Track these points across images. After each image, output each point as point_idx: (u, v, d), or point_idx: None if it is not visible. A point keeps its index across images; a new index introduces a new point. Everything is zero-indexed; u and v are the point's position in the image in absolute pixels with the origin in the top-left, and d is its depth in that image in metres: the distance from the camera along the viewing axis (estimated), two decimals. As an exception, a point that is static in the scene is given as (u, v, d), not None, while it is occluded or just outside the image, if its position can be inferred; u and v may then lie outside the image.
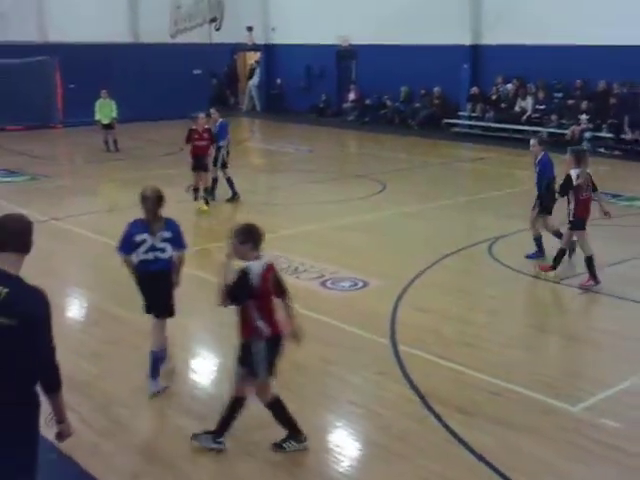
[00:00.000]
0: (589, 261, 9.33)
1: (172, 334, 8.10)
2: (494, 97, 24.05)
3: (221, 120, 14.77)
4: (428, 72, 24.97)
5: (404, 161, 19.82)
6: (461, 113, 25.03)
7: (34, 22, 26.52)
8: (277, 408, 5.77)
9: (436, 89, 25.36)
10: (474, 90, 24.61)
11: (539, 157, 10.37)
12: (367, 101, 27.73)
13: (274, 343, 5.59)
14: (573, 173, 9.29)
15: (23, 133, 23.98)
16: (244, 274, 5.40)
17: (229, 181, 14.65)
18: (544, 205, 10.29)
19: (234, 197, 14.65)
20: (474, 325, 8.40)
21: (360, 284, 9.65)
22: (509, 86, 23.80)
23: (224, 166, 14.60)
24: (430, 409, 6.34)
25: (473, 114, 24.50)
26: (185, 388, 6.94)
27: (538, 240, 10.52)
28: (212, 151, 13.98)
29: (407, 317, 8.49)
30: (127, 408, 6.42)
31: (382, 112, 26.82)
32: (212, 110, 15.08)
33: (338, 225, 12.46)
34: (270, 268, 5.57)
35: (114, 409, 6.38)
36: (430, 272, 10.32)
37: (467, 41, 24.80)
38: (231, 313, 8.67)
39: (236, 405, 5.69)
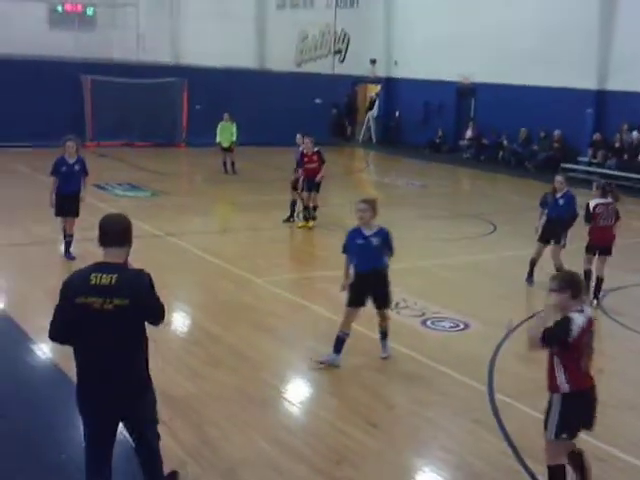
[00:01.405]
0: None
1: (267, 361, 8.24)
2: (617, 144, 23.28)
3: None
4: (549, 115, 24.46)
5: (518, 204, 19.41)
6: (581, 159, 24.35)
7: (167, 44, 27.74)
8: (553, 477, 5.35)
9: (556, 132, 24.79)
10: (597, 136, 23.91)
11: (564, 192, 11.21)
12: (484, 140, 27.41)
13: (574, 400, 5.23)
14: (591, 202, 10.55)
15: (149, 150, 24.98)
16: (568, 320, 5.13)
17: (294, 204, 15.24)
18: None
19: (289, 219, 15.18)
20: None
21: (461, 326, 9.49)
22: (634, 134, 23.00)
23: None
24: (524, 465, 6.14)
25: (594, 160, 23.80)
26: (276, 416, 7.00)
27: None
28: (322, 173, 14.73)
29: (507, 364, 8.28)
30: (218, 430, 6.52)
31: (499, 152, 26.45)
32: (298, 136, 15.40)
33: (445, 264, 12.33)
34: (591, 323, 5.30)
35: (205, 429, 6.49)
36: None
37: (593, 85, 24.18)
38: (328, 343, 8.72)
39: (558, 476, 5.34)
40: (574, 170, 24.09)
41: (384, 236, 7.83)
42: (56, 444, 6.17)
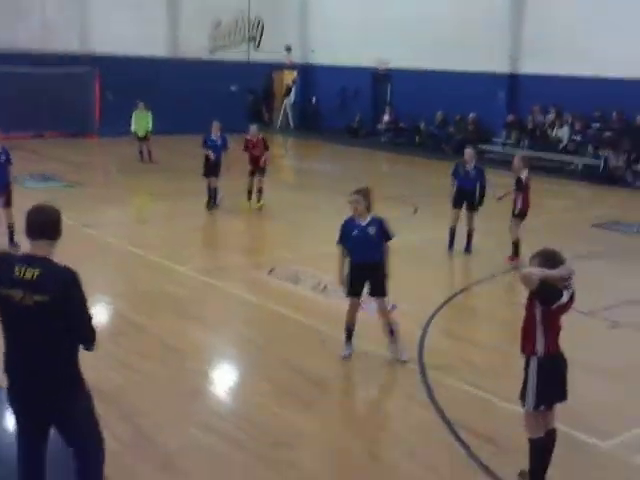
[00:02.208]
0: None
1: (196, 349, 8.11)
2: (530, 125, 23.90)
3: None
4: (464, 98, 24.90)
5: (436, 185, 19.67)
6: (495, 140, 24.90)
7: (77, 33, 26.89)
8: (536, 449, 5.38)
9: (471, 115, 25.27)
10: (510, 118, 24.49)
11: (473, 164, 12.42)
12: (401, 124, 27.71)
13: (549, 366, 5.27)
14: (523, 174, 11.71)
15: (60, 140, 24.23)
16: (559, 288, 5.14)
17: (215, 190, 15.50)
18: None
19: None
20: (505, 354, 8.25)
21: (389, 307, 9.51)
22: (548, 116, 23.64)
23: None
24: (458, 438, 6.21)
25: (508, 141, 24.37)
26: (208, 403, 6.88)
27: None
28: (267, 158, 15.46)
29: (436, 342, 8.37)
30: (151, 420, 6.36)
31: (416, 136, 26.78)
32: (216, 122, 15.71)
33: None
34: (573, 298, 5.33)
35: (138, 420, 6.33)
36: (460, 297, 10.21)
37: (505, 69, 24.73)
38: (254, 329, 8.64)
39: (540, 449, 5.37)
40: (490, 151, 24.64)
41: (379, 225, 7.62)
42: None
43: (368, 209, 7.61)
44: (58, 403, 4.29)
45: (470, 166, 12.37)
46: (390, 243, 7.71)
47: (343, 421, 6.63)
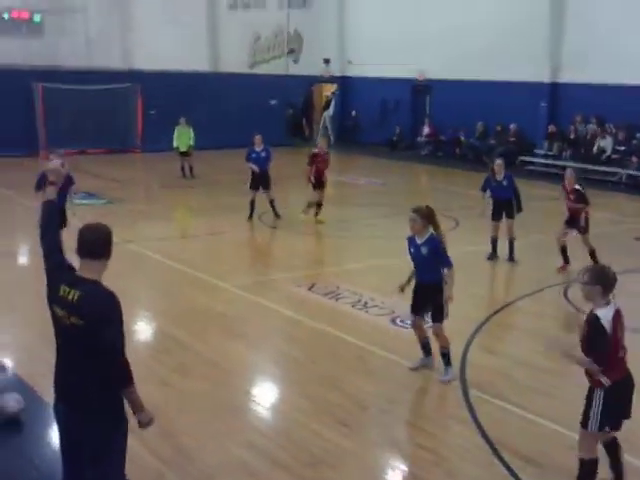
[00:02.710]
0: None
1: (237, 366, 8.14)
2: (572, 136, 23.60)
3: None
4: (504, 108, 24.71)
5: (477, 198, 19.52)
6: (537, 151, 24.64)
7: (119, 50, 27.34)
8: (588, 471, 5.34)
9: (512, 126, 25.04)
10: (551, 128, 24.22)
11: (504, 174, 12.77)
12: (441, 136, 27.58)
13: (616, 392, 5.22)
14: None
15: (103, 157, 24.60)
16: (596, 319, 5.13)
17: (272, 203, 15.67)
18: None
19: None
20: (547, 372, 8.13)
21: (430, 323, 9.45)
22: (590, 126, 23.32)
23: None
24: (500, 458, 6.13)
25: (549, 152, 24.10)
26: (249, 420, 6.89)
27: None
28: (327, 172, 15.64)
29: (478, 359, 8.28)
30: (192, 438, 6.40)
31: (456, 148, 26.63)
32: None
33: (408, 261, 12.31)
34: (619, 314, 5.27)
35: (179, 438, 6.37)
36: (503, 314, 10.10)
37: (546, 78, 24.49)
38: (295, 346, 8.65)
39: (591, 471, 5.37)
40: (532, 163, 24.41)
41: (432, 246, 7.45)
42: (30, 467, 5.99)
43: (426, 227, 7.51)
44: (81, 426, 4.19)
45: (500, 176, 12.68)
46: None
47: (382, 440, 6.58)
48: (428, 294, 7.58)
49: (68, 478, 4.43)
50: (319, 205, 15.45)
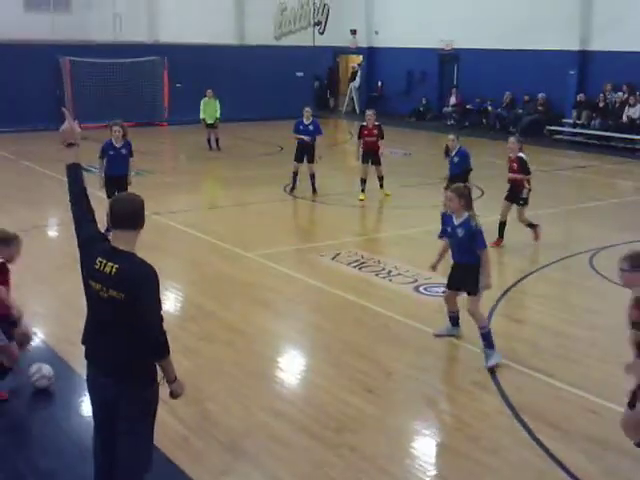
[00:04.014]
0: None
1: (262, 333, 8.24)
2: (601, 104, 23.27)
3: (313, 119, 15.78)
4: (532, 78, 24.43)
5: (503, 167, 19.40)
6: (565, 120, 24.35)
7: (145, 24, 27.41)
8: None
9: (540, 95, 24.75)
10: (580, 97, 23.90)
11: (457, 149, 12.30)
12: (468, 106, 27.35)
13: None
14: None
15: (131, 130, 24.57)
16: None
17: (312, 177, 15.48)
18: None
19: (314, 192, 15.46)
20: (572, 339, 8.14)
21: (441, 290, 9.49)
22: (619, 94, 22.97)
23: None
24: (523, 423, 6.17)
25: (578, 122, 23.80)
26: (273, 387, 7.00)
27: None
28: (382, 146, 15.01)
29: (502, 327, 8.30)
30: (217, 404, 6.52)
31: (483, 118, 26.39)
32: (307, 109, 15.82)
33: (433, 230, 12.28)
34: None
35: (204, 404, 6.49)
36: (528, 282, 10.09)
37: (575, 46, 24.12)
38: (320, 314, 8.74)
39: None
40: (560, 132, 24.15)
41: (469, 229, 7.23)
42: (53, 431, 6.15)
43: (465, 208, 7.28)
44: (118, 395, 4.21)
45: (453, 152, 12.37)
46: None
47: (406, 406, 6.65)
48: (465, 274, 7.38)
49: (100, 446, 4.48)
50: (380, 179, 15.15)
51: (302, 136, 15.32)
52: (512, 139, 11.83)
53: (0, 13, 24.52)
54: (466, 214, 7.29)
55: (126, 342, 4.15)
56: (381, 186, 15.18)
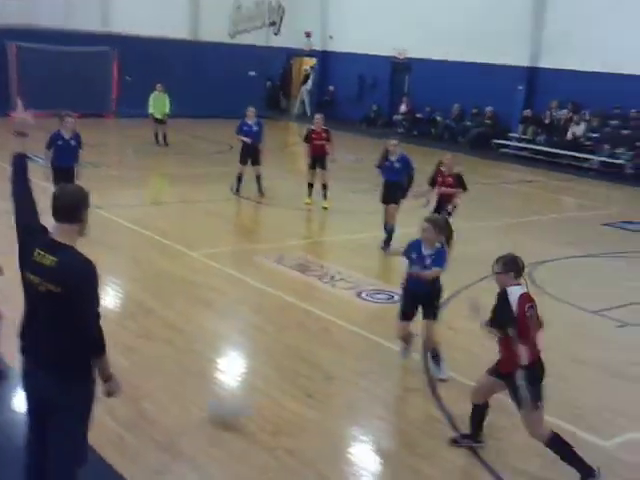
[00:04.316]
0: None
1: (203, 333, 8.18)
2: (547, 121, 23.77)
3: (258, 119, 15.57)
4: (481, 91, 24.79)
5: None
6: (512, 134, 24.80)
7: (97, 12, 26.96)
8: (556, 446, 5.56)
9: (488, 108, 25.16)
10: (527, 112, 24.37)
11: (398, 155, 11.94)
12: (418, 115, 27.64)
13: (534, 369, 5.53)
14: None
15: (77, 121, 24.21)
16: (505, 293, 5.56)
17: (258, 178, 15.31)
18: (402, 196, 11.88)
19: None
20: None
21: (396, 297, 9.53)
22: (564, 111, 23.50)
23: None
24: (457, 431, 6.25)
25: (524, 136, 24.26)
26: (212, 387, 6.95)
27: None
28: (330, 150, 14.60)
29: (440, 335, 8.37)
30: (154, 403, 6.44)
31: (432, 127, 26.70)
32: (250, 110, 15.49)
33: (378, 236, 12.39)
34: (529, 295, 5.61)
35: (141, 403, 6.41)
36: (466, 293, 10.21)
37: (524, 62, 24.58)
38: (262, 316, 8.71)
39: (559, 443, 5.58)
40: (506, 146, 24.58)
41: (439, 257, 7.11)
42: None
43: (438, 238, 7.16)
44: (54, 389, 4.14)
45: (394, 157, 11.98)
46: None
47: (345, 411, 6.67)
48: (424, 300, 7.25)
49: (35, 441, 4.39)
50: (324, 187, 14.62)
51: (244, 138, 15.12)
52: (449, 155, 11.68)
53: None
54: (439, 245, 7.20)
55: (62, 337, 4.08)
56: (324, 196, 14.64)
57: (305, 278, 10.26)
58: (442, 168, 11.37)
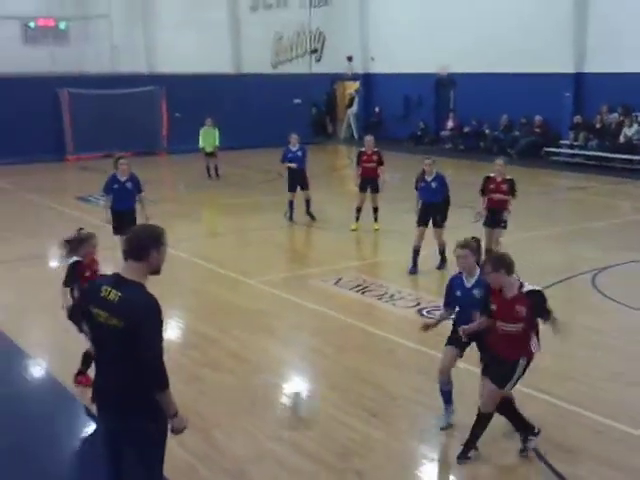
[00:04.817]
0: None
1: (266, 359, 8.23)
2: (598, 125, 23.40)
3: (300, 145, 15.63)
4: (529, 100, 24.57)
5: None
6: (563, 142, 24.47)
7: (142, 54, 27.66)
8: (506, 410, 6.09)
9: (537, 117, 24.90)
10: (577, 119, 24.03)
11: (434, 174, 11.64)
12: (465, 129, 27.50)
13: (530, 361, 5.93)
14: None
15: (130, 159, 24.79)
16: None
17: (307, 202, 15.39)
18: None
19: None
20: (574, 358, 8.13)
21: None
22: (614, 115, 23.12)
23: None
24: (527, 443, 6.14)
25: (575, 143, 23.91)
26: (278, 413, 6.98)
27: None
28: (381, 173, 14.34)
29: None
30: (223, 432, 6.50)
31: (481, 141, 26.51)
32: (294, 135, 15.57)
33: (432, 253, 12.31)
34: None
35: (210, 432, 6.47)
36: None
37: (570, 69, 24.30)
38: (323, 339, 8.72)
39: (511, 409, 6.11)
40: (557, 154, 24.24)
41: (484, 286, 6.15)
42: (56, 457, 6.13)
43: (476, 264, 6.42)
44: (124, 424, 4.24)
45: (430, 177, 11.67)
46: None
47: (411, 429, 6.62)
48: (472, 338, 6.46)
49: (110, 475, 4.49)
50: (375, 210, 14.50)
51: (290, 164, 15.25)
52: (500, 161, 11.43)
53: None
54: (477, 271, 6.39)
55: (127, 371, 4.16)
56: (375, 219, 14.49)
57: (364, 298, 10.26)
58: (493, 175, 11.21)
